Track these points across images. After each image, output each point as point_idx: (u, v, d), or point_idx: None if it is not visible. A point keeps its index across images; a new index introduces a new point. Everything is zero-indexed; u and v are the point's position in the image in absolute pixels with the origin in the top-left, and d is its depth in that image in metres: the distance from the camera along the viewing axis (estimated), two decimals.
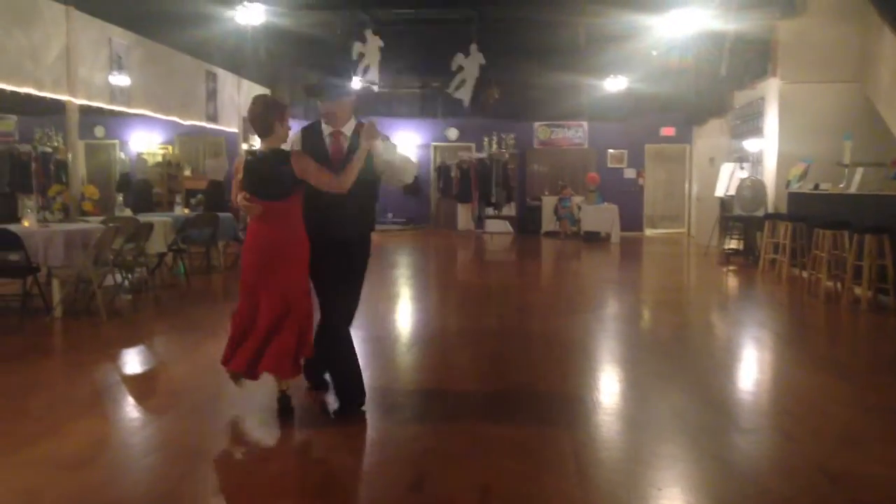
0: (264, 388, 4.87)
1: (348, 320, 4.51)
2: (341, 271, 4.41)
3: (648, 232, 20.21)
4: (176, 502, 3.19)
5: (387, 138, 4.46)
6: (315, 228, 4.30)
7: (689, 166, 19.95)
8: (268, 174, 4.19)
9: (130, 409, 4.61)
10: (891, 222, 7.91)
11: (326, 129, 4.46)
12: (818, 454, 3.73)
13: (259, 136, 4.29)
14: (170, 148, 19.72)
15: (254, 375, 4.27)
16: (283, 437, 4.01)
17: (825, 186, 10.29)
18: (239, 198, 4.22)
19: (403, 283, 10.67)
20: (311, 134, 4.48)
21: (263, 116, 4.23)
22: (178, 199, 12.23)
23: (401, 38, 15.79)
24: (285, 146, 4.32)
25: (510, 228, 19.77)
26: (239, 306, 4.30)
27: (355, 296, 4.56)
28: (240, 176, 4.26)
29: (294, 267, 4.23)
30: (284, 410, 4.28)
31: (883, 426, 4.23)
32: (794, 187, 11.18)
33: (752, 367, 5.91)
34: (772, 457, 3.78)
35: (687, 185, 20.09)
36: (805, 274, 9.66)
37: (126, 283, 8.10)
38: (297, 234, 4.25)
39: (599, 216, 17.68)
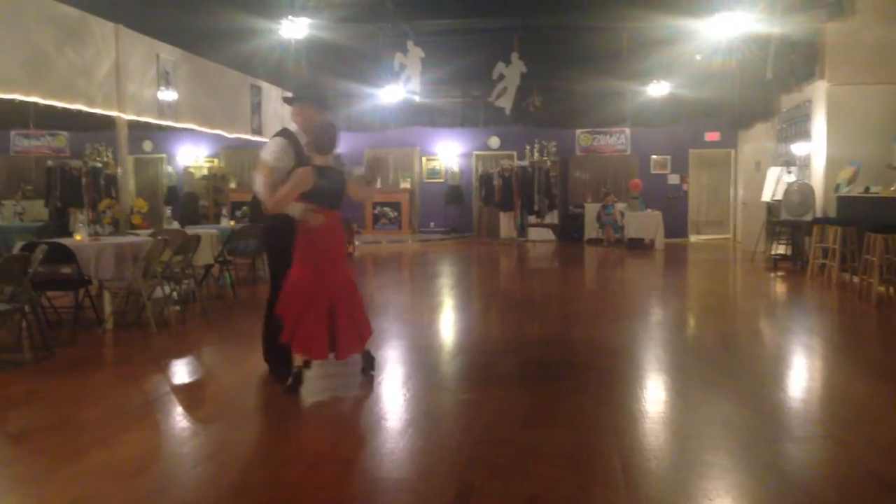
0: (312, 399, 4.93)
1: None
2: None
3: (693, 238, 19.96)
4: None
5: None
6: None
7: (734, 171, 19.68)
8: (334, 188, 5.01)
9: (180, 419, 4.68)
10: None
11: (302, 137, 5.20)
12: (873, 462, 3.64)
13: (321, 153, 4.99)
14: (215, 161, 20.06)
15: (341, 355, 5.07)
16: (328, 448, 4.03)
17: (875, 189, 10.07)
18: (303, 208, 4.84)
19: (447, 292, 10.68)
20: (296, 142, 5.19)
21: (331, 137, 5.00)
22: (224, 211, 12.41)
23: (442, 48, 15.87)
24: (275, 150, 5.10)
25: (553, 236, 19.69)
26: (292, 300, 4.93)
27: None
28: (303, 189, 4.85)
29: (342, 262, 5.23)
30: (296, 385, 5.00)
31: None
32: (844, 191, 10.96)
33: (802, 374, 5.79)
34: (825, 465, 3.70)
35: (732, 191, 19.82)
36: (856, 279, 9.46)
37: (174, 294, 8.24)
38: (341, 235, 5.25)
39: (643, 223, 17.52)
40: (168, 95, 11.03)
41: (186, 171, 19.54)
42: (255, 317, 8.51)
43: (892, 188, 9.61)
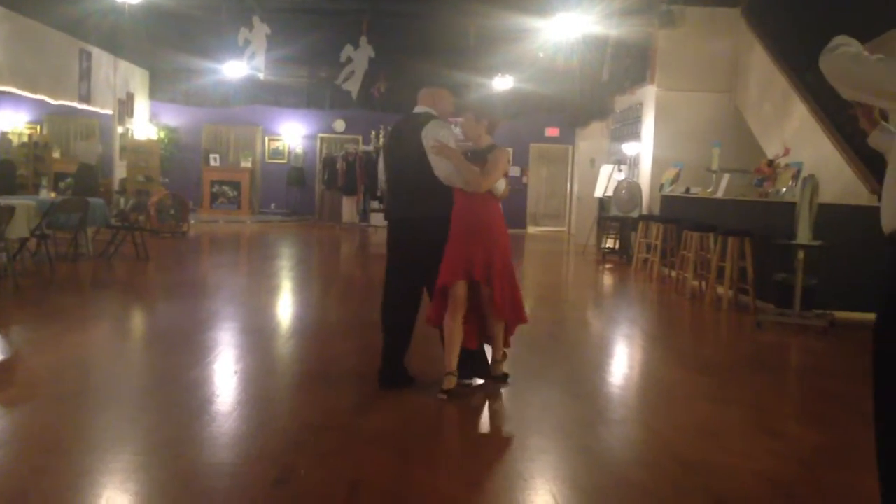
0: (136, 383, 4.74)
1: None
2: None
3: (531, 229, 20.63)
4: (24, 497, 3.02)
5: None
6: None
7: (571, 166, 20.48)
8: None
9: None
10: (752, 226, 8.36)
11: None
12: (677, 445, 3.90)
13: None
14: (38, 128, 18.68)
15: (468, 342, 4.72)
16: (145, 432, 3.87)
17: (695, 190, 10.77)
18: (506, 184, 4.70)
19: (284, 275, 10.50)
20: None
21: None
22: (45, 181, 11.60)
23: (289, 25, 15.53)
24: (448, 134, 4.57)
25: None
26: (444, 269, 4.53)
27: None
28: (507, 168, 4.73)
29: (498, 239, 4.61)
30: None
31: (739, 419, 4.46)
32: (667, 190, 11.65)
33: (621, 363, 6.13)
34: (633, 447, 3.92)
35: (568, 185, 20.63)
36: (673, 273, 10.09)
37: None
38: (496, 212, 4.67)
39: None
40: None
41: (4, 137, 18.06)
42: (74, 295, 8.07)
43: (709, 189, 10.32)
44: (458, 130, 4.86)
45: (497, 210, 4.72)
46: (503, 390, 4.80)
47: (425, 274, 4.70)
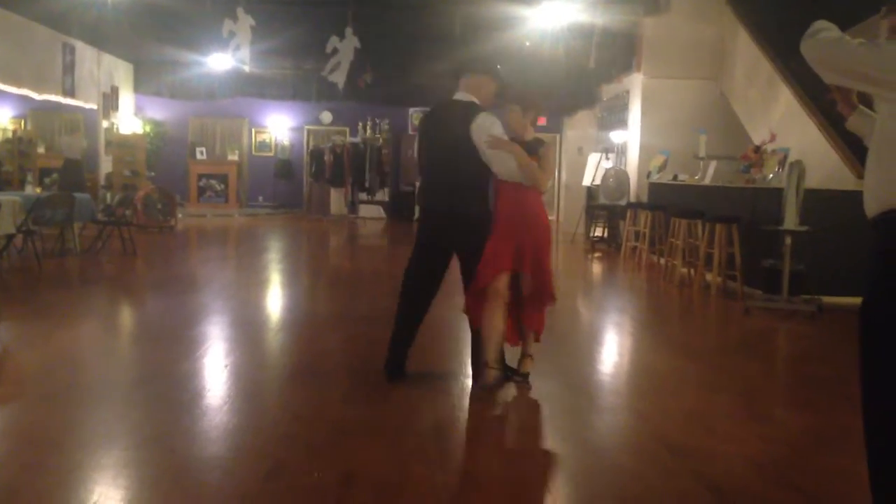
0: (127, 378, 4.72)
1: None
2: None
3: None
4: (15, 494, 3.01)
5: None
6: None
7: (559, 155, 20.46)
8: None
9: None
10: (739, 212, 8.39)
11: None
12: (666, 431, 3.92)
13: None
14: (22, 123, 18.54)
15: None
16: (137, 428, 3.85)
17: (683, 177, 10.80)
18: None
19: (273, 268, 10.47)
20: None
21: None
22: (30, 177, 11.51)
23: (274, 17, 15.38)
24: (500, 126, 4.47)
25: (383, 214, 19.74)
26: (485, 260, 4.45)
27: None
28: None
29: (545, 232, 4.59)
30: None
31: (727, 405, 4.49)
32: (655, 178, 11.68)
33: (611, 351, 6.15)
34: (623, 434, 3.94)
35: (557, 174, 20.61)
36: (662, 261, 10.12)
37: None
38: (541, 204, 4.63)
39: None
40: None
41: None
42: (61, 291, 8.02)
43: (696, 176, 10.35)
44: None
45: (541, 202, 4.65)
46: (495, 379, 4.78)
47: (461, 266, 4.64)
